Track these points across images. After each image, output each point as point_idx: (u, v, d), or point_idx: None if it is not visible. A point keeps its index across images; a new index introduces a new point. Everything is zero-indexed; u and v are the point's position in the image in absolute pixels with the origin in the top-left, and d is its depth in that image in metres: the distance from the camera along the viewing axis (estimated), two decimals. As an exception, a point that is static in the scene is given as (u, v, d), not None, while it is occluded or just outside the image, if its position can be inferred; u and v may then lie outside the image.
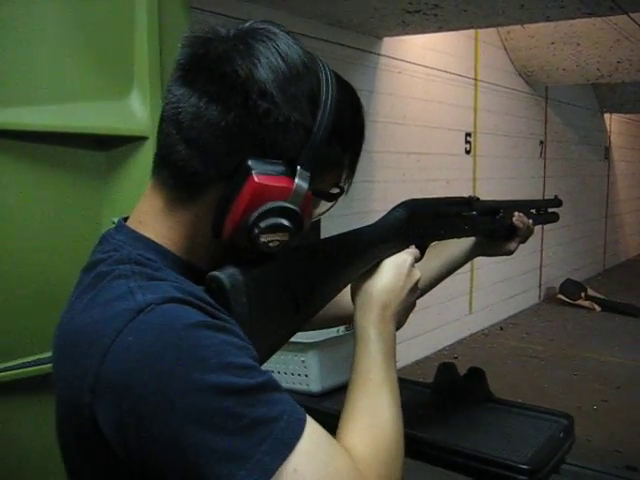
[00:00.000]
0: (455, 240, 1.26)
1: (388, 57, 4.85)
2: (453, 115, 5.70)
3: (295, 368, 1.72)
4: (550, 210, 1.53)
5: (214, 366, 0.64)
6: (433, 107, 5.43)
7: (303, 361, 1.70)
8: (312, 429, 0.68)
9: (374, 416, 0.79)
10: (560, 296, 7.61)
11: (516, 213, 1.35)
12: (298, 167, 0.77)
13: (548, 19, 4.20)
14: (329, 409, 1.59)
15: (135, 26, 1.61)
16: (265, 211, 0.75)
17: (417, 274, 0.97)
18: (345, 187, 0.88)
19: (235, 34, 0.78)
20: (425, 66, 5.28)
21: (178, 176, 0.77)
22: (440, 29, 4.46)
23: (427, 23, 4.23)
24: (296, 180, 0.76)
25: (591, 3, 3.65)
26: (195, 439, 0.62)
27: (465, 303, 6.10)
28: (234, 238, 0.77)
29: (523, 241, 1.40)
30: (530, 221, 1.39)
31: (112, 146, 1.64)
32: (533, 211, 1.45)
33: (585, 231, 8.76)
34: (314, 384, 1.70)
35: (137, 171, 1.62)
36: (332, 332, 1.73)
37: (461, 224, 1.19)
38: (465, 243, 1.32)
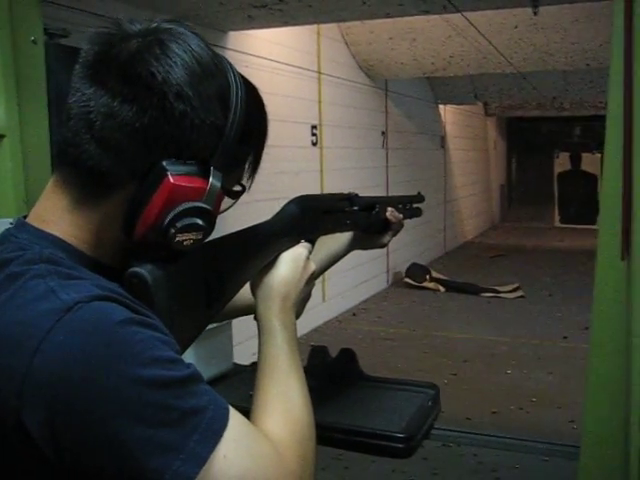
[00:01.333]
0: (334, 235, 1.31)
1: (234, 51, 4.86)
2: (299, 108, 5.80)
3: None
4: (415, 205, 1.61)
5: (145, 361, 0.66)
6: (279, 100, 5.49)
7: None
8: (235, 417, 0.70)
9: (286, 401, 0.82)
10: (407, 280, 7.96)
11: (389, 209, 1.42)
12: (212, 167, 0.78)
13: (388, 16, 4.38)
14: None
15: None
16: (181, 211, 0.76)
17: (312, 266, 1.02)
18: (247, 184, 0.91)
19: (145, 33, 0.77)
20: (271, 60, 5.34)
21: (87, 175, 0.76)
22: (285, 24, 4.52)
23: (273, 17, 4.28)
24: (210, 180, 0.78)
25: (428, 1, 3.85)
26: (130, 433, 0.64)
27: (319, 291, 6.24)
28: (147, 237, 0.77)
29: (395, 234, 1.48)
30: (401, 216, 1.46)
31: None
32: (400, 206, 1.52)
33: (426, 217, 9.10)
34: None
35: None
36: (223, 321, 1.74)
37: (344, 219, 1.25)
38: (343, 238, 1.38)
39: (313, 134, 6.06)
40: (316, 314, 6.18)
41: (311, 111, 6.03)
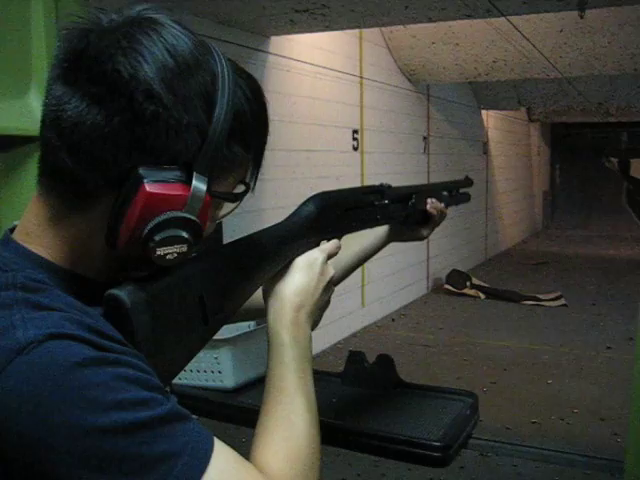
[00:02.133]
0: (366, 230, 1.22)
1: (276, 55, 4.89)
2: (340, 112, 5.80)
3: (208, 365, 1.72)
4: (462, 191, 1.53)
5: (105, 405, 0.60)
6: (321, 105, 5.50)
7: (216, 357, 1.71)
8: (219, 456, 0.65)
9: (288, 428, 0.77)
10: (447, 286, 7.89)
11: (429, 200, 1.34)
12: (194, 172, 0.71)
13: (430, 20, 4.36)
14: (244, 404, 1.60)
15: (32, 23, 1.57)
16: (159, 223, 0.69)
17: (330, 271, 0.95)
18: (251, 184, 0.83)
19: (117, 25, 0.70)
20: (312, 64, 5.35)
21: (64, 185, 0.70)
22: (327, 28, 4.53)
23: (315, 22, 4.29)
24: (192, 186, 0.71)
25: (470, 5, 3.82)
26: None
27: (358, 297, 6.23)
28: (129, 250, 0.71)
29: (436, 226, 1.40)
30: (442, 205, 1.39)
31: (10, 147, 1.59)
32: (445, 193, 1.45)
33: (467, 223, 9.13)
34: (228, 380, 1.71)
35: (36, 173, 1.58)
36: (244, 327, 1.75)
37: (373, 214, 1.17)
38: (378, 230, 1.31)
39: (354, 139, 6.05)
40: (355, 319, 6.17)
41: (352, 116, 6.02)
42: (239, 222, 1.59)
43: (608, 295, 7.69)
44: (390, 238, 1.34)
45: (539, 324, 6.50)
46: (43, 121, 0.71)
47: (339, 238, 1.05)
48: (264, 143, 0.84)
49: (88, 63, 0.68)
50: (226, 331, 1.69)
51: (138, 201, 0.68)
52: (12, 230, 0.76)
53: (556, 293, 7.48)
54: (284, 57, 4.99)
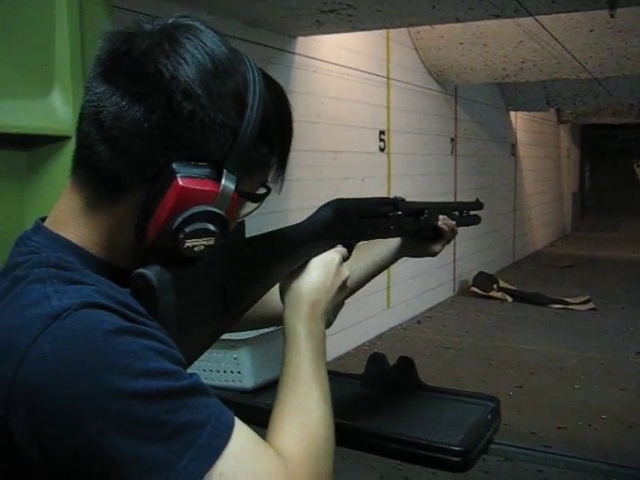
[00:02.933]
0: (381, 241, 1.26)
1: (303, 56, 4.89)
2: (367, 113, 5.79)
3: (228, 365, 1.73)
4: (472, 213, 1.55)
5: (135, 372, 0.63)
6: (347, 105, 5.49)
7: (235, 358, 1.71)
8: (239, 432, 0.67)
9: (303, 415, 0.79)
10: (473, 289, 7.84)
11: (441, 217, 1.37)
12: (224, 170, 0.75)
13: (458, 20, 4.33)
14: (263, 404, 1.60)
15: (56, 23, 1.58)
16: (190, 216, 0.73)
17: (345, 272, 0.98)
18: (273, 187, 0.87)
19: (159, 30, 0.75)
20: (339, 65, 5.34)
21: (99, 177, 0.74)
22: (354, 29, 4.53)
23: (341, 23, 4.28)
24: (222, 183, 0.75)
25: (498, 5, 3.79)
26: (118, 448, 0.61)
27: (383, 298, 6.21)
28: (158, 242, 0.74)
29: (448, 243, 1.42)
30: (454, 222, 1.41)
31: (34, 146, 1.60)
32: (456, 213, 1.47)
33: (495, 225, 9.06)
34: (247, 380, 1.71)
35: (60, 171, 1.58)
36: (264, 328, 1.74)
37: (387, 225, 1.20)
38: (391, 243, 1.33)
39: (381, 140, 6.03)
40: (380, 321, 6.15)
41: (379, 117, 6.00)
42: (264, 222, 1.58)
43: (638, 299, 7.56)
44: (401, 252, 1.36)
45: (567, 328, 6.42)
46: (82, 116, 0.75)
47: (354, 244, 1.08)
48: (289, 147, 0.87)
49: (131, 63, 0.72)
50: (246, 332, 1.69)
51: (171, 194, 0.72)
52: (43, 220, 0.80)
53: (584, 297, 7.38)
54: (311, 58, 4.99)
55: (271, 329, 1.78)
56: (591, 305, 7.19)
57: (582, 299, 7.33)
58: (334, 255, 0.97)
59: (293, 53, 4.79)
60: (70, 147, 1.58)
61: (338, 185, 5.29)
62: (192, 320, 0.77)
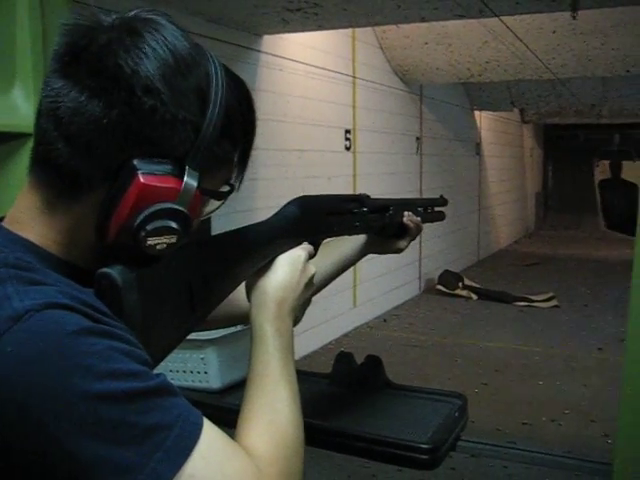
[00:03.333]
0: (347, 238, 1.27)
1: (269, 54, 4.87)
2: (333, 112, 5.79)
3: (194, 365, 1.71)
4: (437, 209, 1.56)
5: (100, 374, 0.62)
6: (313, 104, 5.49)
7: (202, 358, 1.69)
8: (208, 432, 0.66)
9: (272, 413, 0.78)
10: (439, 287, 7.88)
11: (406, 213, 1.37)
12: (186, 166, 0.74)
13: (423, 20, 4.35)
14: (230, 405, 1.58)
15: (16, 18, 1.54)
16: (151, 213, 0.72)
17: (312, 269, 0.97)
18: (236, 185, 0.86)
19: (119, 24, 0.73)
20: (305, 63, 5.33)
21: (58, 175, 0.72)
22: (320, 27, 4.52)
23: (307, 21, 4.27)
24: (184, 180, 0.74)
25: (463, 5, 3.81)
26: (85, 451, 0.60)
27: (349, 297, 6.22)
28: (119, 240, 0.73)
29: (413, 239, 1.42)
30: (419, 219, 1.41)
31: (-7, 143, 1.57)
32: (420, 209, 1.47)
33: (460, 223, 9.13)
34: (214, 380, 1.70)
35: (21, 169, 1.55)
36: (230, 327, 1.73)
37: (353, 221, 1.20)
38: (356, 241, 1.33)
39: (347, 139, 6.03)
40: (347, 319, 6.16)
41: (345, 116, 6.01)
42: (230, 221, 1.57)
43: (600, 296, 7.70)
44: (367, 249, 1.36)
45: (531, 325, 6.50)
46: (39, 112, 0.74)
47: (320, 241, 1.08)
48: (251, 144, 0.86)
49: (90, 57, 0.70)
50: (212, 332, 1.67)
51: (132, 191, 0.71)
52: (1, 220, 0.78)
53: (548, 294, 7.48)
54: (277, 56, 4.97)
55: (237, 328, 1.77)
56: (555, 302, 7.29)
57: (546, 296, 7.42)
58: (300, 252, 0.96)
59: (259, 51, 4.77)
60: (31, 144, 1.55)
61: (304, 184, 5.28)
62: (158, 320, 0.76)
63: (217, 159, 0.79)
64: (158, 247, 0.73)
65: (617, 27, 5.53)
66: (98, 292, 0.71)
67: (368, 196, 1.25)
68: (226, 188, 0.85)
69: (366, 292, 6.45)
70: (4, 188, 1.55)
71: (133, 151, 0.71)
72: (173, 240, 0.74)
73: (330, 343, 5.79)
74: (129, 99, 0.70)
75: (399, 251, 1.42)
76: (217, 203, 0.84)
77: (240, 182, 0.87)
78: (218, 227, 1.18)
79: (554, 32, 5.74)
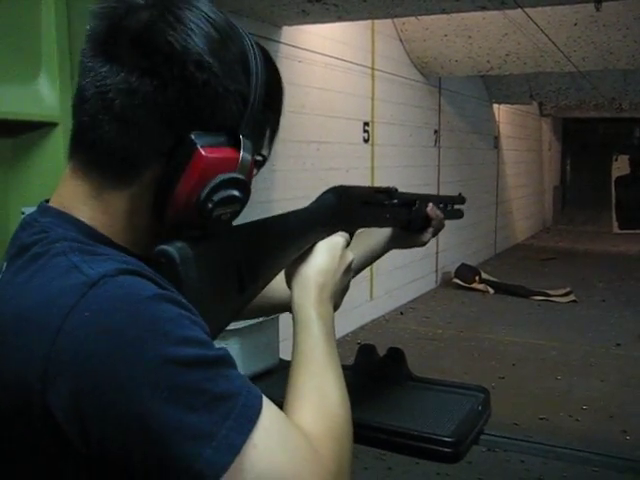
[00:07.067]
0: (374, 230, 1.29)
1: (288, 45, 4.86)
2: (351, 104, 5.77)
3: (216, 356, 1.71)
4: (456, 207, 1.57)
5: (176, 339, 0.62)
6: (332, 96, 5.47)
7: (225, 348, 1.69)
8: (269, 407, 0.67)
9: (322, 395, 0.78)
10: (456, 280, 7.86)
11: (430, 204, 1.38)
12: (241, 136, 0.75)
13: (444, 11, 4.33)
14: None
15: (42, 7, 1.55)
16: (217, 184, 0.72)
17: (350, 256, 0.98)
18: (267, 153, 0.87)
19: (155, 2, 0.73)
20: (324, 55, 5.31)
21: (109, 158, 0.72)
22: (339, 19, 4.51)
23: (327, 13, 4.26)
24: (242, 149, 0.75)
25: (485, -4, 3.79)
26: (159, 416, 0.60)
27: (366, 290, 6.22)
28: (180, 217, 0.74)
29: (436, 233, 1.43)
30: (441, 214, 1.42)
31: (19, 132, 1.57)
32: (441, 206, 1.48)
33: (477, 217, 9.09)
34: (236, 371, 1.70)
35: (46, 158, 1.56)
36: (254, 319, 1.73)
37: (383, 213, 1.22)
38: (383, 234, 1.34)
39: (365, 131, 6.02)
40: (363, 312, 6.16)
41: (363, 108, 5.99)
42: (249, 212, 1.56)
43: (618, 292, 7.64)
44: (392, 243, 1.36)
45: (548, 320, 6.47)
46: (82, 98, 0.73)
47: (355, 230, 1.09)
48: (281, 112, 0.88)
49: (134, 37, 0.70)
50: (235, 322, 1.67)
51: (195, 165, 0.71)
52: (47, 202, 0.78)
53: (566, 289, 7.43)
54: (296, 47, 4.96)
55: (259, 320, 1.77)
56: (572, 297, 7.24)
57: (563, 291, 7.37)
58: (339, 239, 0.97)
59: (278, 42, 4.76)
60: (57, 134, 1.56)
61: (322, 176, 5.28)
62: (212, 299, 0.77)
63: (261, 128, 0.82)
64: (223, 217, 0.75)
65: (639, 19, 5.46)
66: (157, 269, 0.71)
67: (396, 189, 1.26)
68: (259, 158, 0.85)
69: (383, 285, 6.44)
70: (29, 176, 1.56)
71: (188, 126, 0.72)
72: (237, 208, 0.76)
73: (347, 335, 5.79)
74: (183, 75, 0.70)
75: (423, 244, 1.43)
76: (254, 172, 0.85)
77: (270, 151, 0.88)
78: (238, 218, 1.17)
79: (575, 24, 5.68)
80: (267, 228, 0.90)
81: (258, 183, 0.88)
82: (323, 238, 0.96)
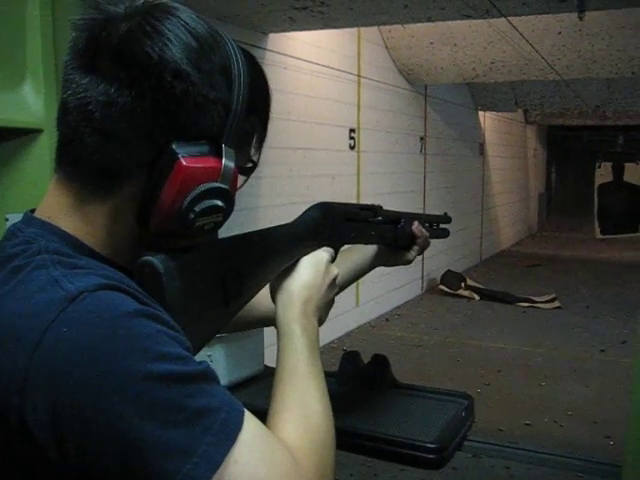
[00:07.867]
0: (359, 248, 1.30)
1: (274, 52, 4.86)
2: (337, 111, 5.78)
3: (201, 363, 1.71)
4: (441, 226, 1.58)
5: (155, 356, 0.62)
6: (318, 103, 5.48)
7: (209, 355, 1.69)
8: (250, 421, 0.67)
9: (305, 408, 0.78)
10: (441, 287, 7.88)
11: (415, 222, 1.39)
12: (223, 145, 0.75)
13: (430, 20, 4.34)
14: (237, 402, 1.59)
15: (27, 14, 1.54)
16: (198, 194, 0.72)
17: (335, 270, 0.98)
18: (256, 159, 0.87)
19: (134, 12, 0.72)
20: (310, 62, 5.32)
21: (91, 170, 0.72)
22: (326, 26, 4.51)
23: (313, 20, 4.27)
24: (223, 158, 0.74)
25: (470, 5, 3.81)
26: (138, 432, 0.60)
27: (352, 296, 6.21)
28: (163, 226, 0.73)
29: (421, 251, 1.43)
30: (427, 232, 1.43)
31: (3, 139, 1.57)
32: (427, 225, 1.49)
33: (463, 224, 9.12)
34: (221, 378, 1.69)
35: (31, 165, 1.56)
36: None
37: (368, 230, 1.22)
38: (368, 251, 1.35)
39: (351, 138, 6.03)
40: (349, 319, 6.16)
41: (350, 114, 6.00)
42: (234, 219, 1.56)
43: (602, 298, 7.69)
44: (377, 260, 1.37)
45: (533, 326, 6.50)
46: (65, 111, 0.73)
47: (339, 245, 1.09)
48: (269, 117, 0.89)
49: (113, 49, 0.70)
50: (220, 329, 1.67)
51: (176, 175, 0.71)
52: (32, 212, 0.78)
53: (551, 295, 7.48)
54: (282, 54, 4.97)
55: (245, 326, 1.77)
56: (557, 304, 7.28)
57: (548, 297, 7.42)
58: (323, 254, 0.98)
59: (264, 49, 4.76)
60: (42, 141, 1.56)
61: (308, 182, 5.28)
62: (195, 312, 0.77)
63: (246, 135, 0.82)
64: (206, 227, 0.74)
65: (623, 29, 5.52)
66: (140, 281, 0.71)
67: (381, 207, 1.27)
68: (249, 165, 0.86)
69: (369, 291, 6.45)
70: (14, 183, 1.55)
71: (169, 136, 0.72)
72: (220, 218, 0.76)
73: (332, 342, 5.79)
74: (160, 86, 0.70)
75: (408, 263, 1.43)
76: (242, 180, 0.85)
77: (259, 156, 0.88)
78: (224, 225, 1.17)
79: (560, 33, 5.73)
80: (252, 242, 0.90)
81: (244, 190, 0.88)
82: (307, 253, 0.97)
